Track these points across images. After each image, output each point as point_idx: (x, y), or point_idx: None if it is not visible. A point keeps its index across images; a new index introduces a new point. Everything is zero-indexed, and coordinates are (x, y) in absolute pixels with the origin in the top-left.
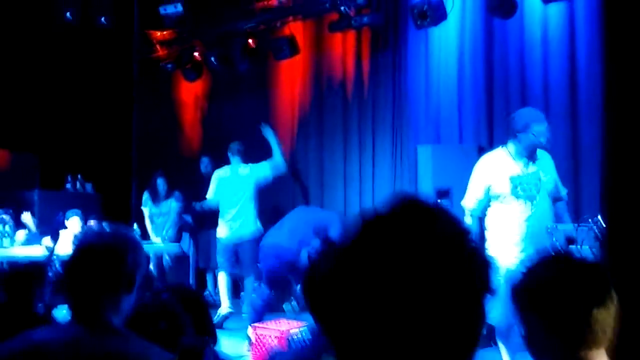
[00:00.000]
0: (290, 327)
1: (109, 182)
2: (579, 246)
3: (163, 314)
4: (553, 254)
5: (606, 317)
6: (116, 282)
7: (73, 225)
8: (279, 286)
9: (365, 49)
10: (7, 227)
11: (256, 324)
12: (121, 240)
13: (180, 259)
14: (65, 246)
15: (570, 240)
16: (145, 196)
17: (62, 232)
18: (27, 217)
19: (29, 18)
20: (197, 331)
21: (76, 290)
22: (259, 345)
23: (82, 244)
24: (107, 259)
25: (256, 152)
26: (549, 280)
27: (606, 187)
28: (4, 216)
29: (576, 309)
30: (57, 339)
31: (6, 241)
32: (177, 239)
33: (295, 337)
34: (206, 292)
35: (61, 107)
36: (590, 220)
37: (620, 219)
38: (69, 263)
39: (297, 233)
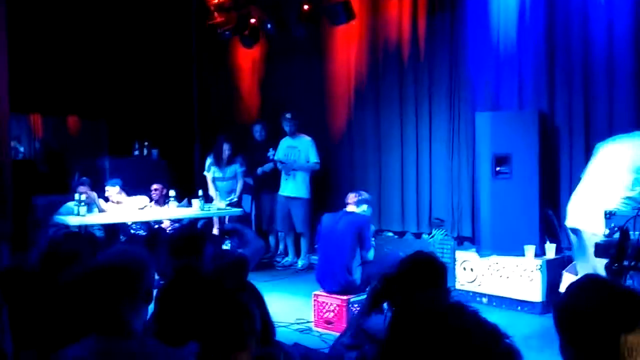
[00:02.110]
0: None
1: (173, 148)
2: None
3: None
4: (593, 277)
5: (635, 343)
6: (138, 297)
7: (113, 193)
8: None
9: (421, 12)
10: (83, 196)
11: (318, 292)
12: (138, 260)
13: (242, 221)
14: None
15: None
16: (209, 161)
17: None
18: (112, 191)
19: None
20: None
21: (102, 307)
22: (320, 311)
23: (104, 264)
24: (129, 278)
25: (308, 119)
26: (581, 304)
27: None
28: (81, 187)
29: (605, 333)
30: (100, 350)
31: (82, 209)
32: (239, 202)
33: (355, 307)
34: (271, 252)
35: (127, 75)
36: None
37: None
38: (93, 282)
39: (344, 252)
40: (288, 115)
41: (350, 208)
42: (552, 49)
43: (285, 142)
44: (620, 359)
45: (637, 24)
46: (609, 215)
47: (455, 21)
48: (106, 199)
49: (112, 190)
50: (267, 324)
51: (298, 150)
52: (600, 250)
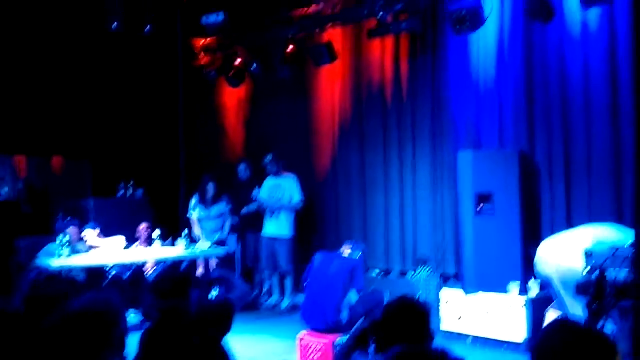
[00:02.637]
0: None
1: (159, 187)
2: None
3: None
4: (565, 320)
5: None
6: (112, 343)
7: (91, 237)
8: None
9: (403, 54)
10: (66, 238)
11: (303, 333)
12: (111, 307)
13: (227, 261)
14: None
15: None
16: (194, 201)
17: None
18: (89, 234)
19: (79, 29)
20: None
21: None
22: (305, 351)
23: (77, 312)
24: (102, 325)
25: (293, 158)
26: (554, 346)
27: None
28: (71, 228)
29: None
30: None
31: (65, 251)
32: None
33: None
34: (255, 292)
35: (111, 115)
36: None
37: None
38: (67, 329)
39: (336, 291)
40: (269, 157)
41: (346, 253)
42: (531, 88)
43: (269, 182)
44: None
45: (612, 68)
46: (589, 254)
47: (437, 62)
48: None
49: (91, 234)
50: None
51: (282, 188)
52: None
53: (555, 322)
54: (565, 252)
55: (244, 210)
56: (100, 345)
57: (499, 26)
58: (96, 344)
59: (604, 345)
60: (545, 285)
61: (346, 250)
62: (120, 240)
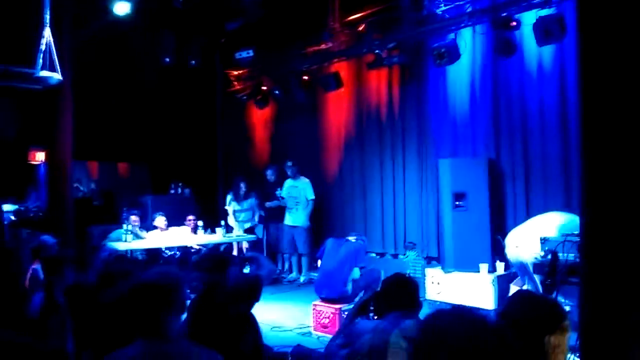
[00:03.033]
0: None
1: (202, 187)
2: (565, 254)
3: None
4: (523, 291)
5: (558, 342)
6: (174, 308)
7: (161, 222)
8: None
9: (395, 82)
10: (129, 227)
11: (316, 302)
12: (174, 278)
13: (255, 244)
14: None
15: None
16: (230, 197)
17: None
18: (159, 220)
19: (141, 64)
20: None
21: (146, 316)
22: (318, 318)
23: (146, 282)
24: (167, 293)
25: (308, 164)
26: (515, 312)
27: (584, 196)
28: (133, 217)
29: (533, 334)
30: (146, 352)
31: (129, 237)
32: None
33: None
34: (279, 270)
35: (166, 129)
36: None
37: (595, 225)
38: (138, 296)
39: (343, 268)
40: (289, 163)
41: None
42: (497, 109)
43: (288, 183)
44: (545, 355)
45: (562, 93)
46: (543, 240)
47: (422, 89)
48: (154, 227)
49: (160, 220)
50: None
51: (298, 189)
52: (537, 268)
53: (516, 293)
54: (530, 239)
55: (268, 204)
56: (165, 309)
57: (471, 60)
58: (162, 308)
59: (554, 310)
60: (509, 265)
61: (351, 238)
62: (185, 229)
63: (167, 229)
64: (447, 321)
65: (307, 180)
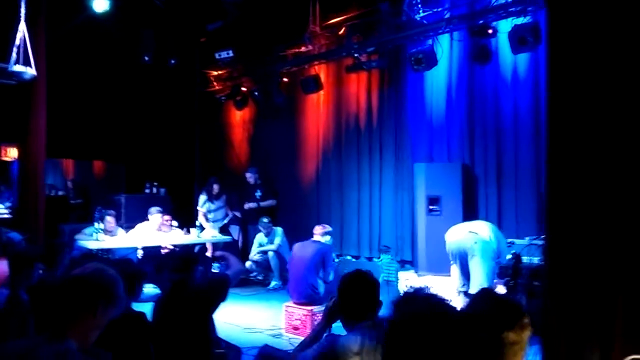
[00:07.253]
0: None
1: (177, 187)
2: (530, 258)
3: None
4: (485, 290)
5: (517, 338)
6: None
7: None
8: None
9: (374, 85)
10: (100, 225)
11: (288, 304)
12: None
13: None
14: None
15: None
16: (204, 198)
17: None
18: (108, 220)
19: (118, 62)
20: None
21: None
22: (289, 319)
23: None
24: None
25: (285, 166)
26: (476, 309)
27: (548, 201)
28: (108, 217)
29: (492, 331)
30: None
31: (100, 235)
32: (228, 230)
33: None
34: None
35: (142, 128)
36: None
37: (558, 230)
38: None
39: (310, 272)
40: (265, 220)
41: (317, 238)
42: (472, 115)
43: (260, 237)
44: (503, 350)
45: (536, 99)
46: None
47: (399, 93)
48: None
49: (109, 220)
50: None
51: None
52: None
53: (481, 291)
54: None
55: (247, 206)
56: (84, 308)
57: (448, 66)
58: (81, 306)
59: (514, 308)
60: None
61: (317, 230)
62: (148, 224)
63: (116, 229)
64: (417, 305)
65: (280, 231)
